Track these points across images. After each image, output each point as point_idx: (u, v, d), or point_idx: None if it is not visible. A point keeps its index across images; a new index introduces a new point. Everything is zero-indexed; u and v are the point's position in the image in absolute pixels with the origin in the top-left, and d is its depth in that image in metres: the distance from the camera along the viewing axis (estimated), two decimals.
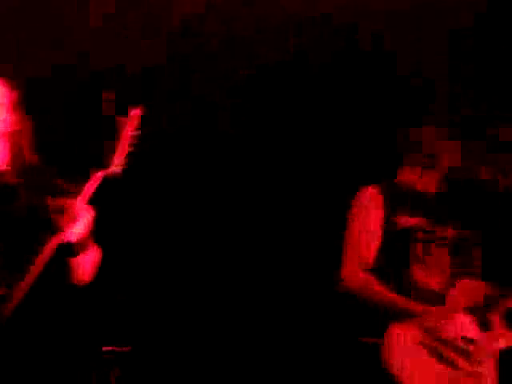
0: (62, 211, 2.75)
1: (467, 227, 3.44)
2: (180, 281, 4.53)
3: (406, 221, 3.35)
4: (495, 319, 3.33)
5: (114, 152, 2.81)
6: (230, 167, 4.55)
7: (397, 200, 3.38)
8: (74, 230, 2.76)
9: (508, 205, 3.52)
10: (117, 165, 2.82)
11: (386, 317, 3.23)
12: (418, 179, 3.48)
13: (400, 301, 3.24)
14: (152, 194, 4.54)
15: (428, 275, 3.32)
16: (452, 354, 3.19)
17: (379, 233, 3.32)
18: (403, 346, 3.16)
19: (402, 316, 3.21)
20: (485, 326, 3.31)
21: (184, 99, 4.51)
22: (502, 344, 3.31)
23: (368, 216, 3.34)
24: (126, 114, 2.88)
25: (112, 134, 2.85)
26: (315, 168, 4.45)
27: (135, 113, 2.85)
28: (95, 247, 2.91)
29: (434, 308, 3.25)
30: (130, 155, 2.84)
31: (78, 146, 3.74)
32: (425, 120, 3.51)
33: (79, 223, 2.76)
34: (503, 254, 3.51)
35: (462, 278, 3.33)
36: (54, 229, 2.75)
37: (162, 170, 4.52)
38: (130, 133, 2.83)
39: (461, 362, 3.19)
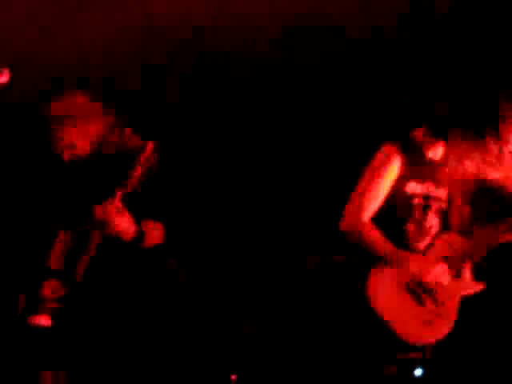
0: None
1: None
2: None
3: (414, 187, 3.67)
4: (466, 270, 3.73)
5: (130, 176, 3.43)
6: None
7: (410, 163, 3.65)
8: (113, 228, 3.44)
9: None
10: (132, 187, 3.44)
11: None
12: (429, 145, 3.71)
13: (390, 247, 3.61)
14: None
15: (420, 236, 3.70)
16: (423, 294, 3.62)
17: (386, 192, 3.63)
18: (386, 283, 3.59)
19: (389, 260, 3.60)
20: (456, 274, 3.70)
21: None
22: (465, 292, 3.73)
23: (381, 173, 3.62)
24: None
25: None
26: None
27: (149, 147, 3.43)
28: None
29: (417, 255, 3.67)
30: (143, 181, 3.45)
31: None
32: None
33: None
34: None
35: (447, 232, 3.74)
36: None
37: None
38: (143, 163, 3.43)
39: (428, 302, 3.63)
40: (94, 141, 3.53)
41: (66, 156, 3.52)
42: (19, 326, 3.35)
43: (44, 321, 3.35)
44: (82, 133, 3.50)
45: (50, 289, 3.37)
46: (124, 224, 3.42)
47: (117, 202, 3.39)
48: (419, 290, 3.60)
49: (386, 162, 3.61)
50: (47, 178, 3.54)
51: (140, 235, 3.48)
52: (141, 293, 3.61)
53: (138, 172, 3.39)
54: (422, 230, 3.66)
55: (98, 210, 3.39)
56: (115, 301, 3.50)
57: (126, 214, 3.43)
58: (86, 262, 3.40)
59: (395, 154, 3.61)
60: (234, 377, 4.25)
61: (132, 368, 3.64)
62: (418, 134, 3.66)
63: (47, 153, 3.53)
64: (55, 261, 3.42)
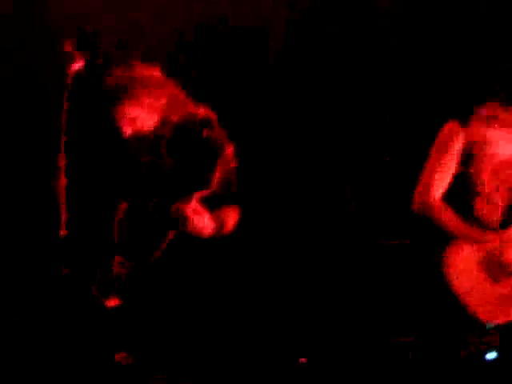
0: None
1: None
2: None
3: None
4: None
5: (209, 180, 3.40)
6: None
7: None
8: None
9: None
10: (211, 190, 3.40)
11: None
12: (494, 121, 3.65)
13: (466, 225, 3.58)
14: None
15: (491, 210, 3.62)
16: (501, 276, 3.58)
17: (454, 169, 3.60)
18: (462, 260, 3.56)
19: (466, 238, 3.58)
20: None
21: None
22: None
23: (447, 150, 3.60)
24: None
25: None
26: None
27: (229, 150, 3.41)
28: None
29: (496, 234, 3.60)
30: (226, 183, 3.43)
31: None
32: None
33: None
34: None
35: None
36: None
37: None
38: (223, 166, 3.39)
39: (504, 281, 3.58)
40: (156, 115, 3.41)
41: (128, 131, 3.40)
42: (91, 307, 3.36)
43: (114, 302, 3.34)
44: (144, 106, 3.39)
45: (119, 266, 3.35)
46: (202, 224, 3.38)
47: (194, 204, 3.34)
48: (496, 269, 3.55)
49: (451, 138, 3.60)
50: (113, 153, 3.48)
51: (218, 231, 3.44)
52: (210, 275, 3.56)
53: (217, 176, 3.35)
54: (491, 205, 3.60)
55: (174, 210, 3.35)
56: (185, 281, 3.46)
57: (205, 214, 3.38)
58: (161, 247, 3.36)
59: (460, 131, 3.59)
60: (303, 360, 4.23)
61: (199, 346, 3.60)
62: (483, 110, 3.61)
63: (113, 130, 3.44)
64: (122, 238, 3.39)
